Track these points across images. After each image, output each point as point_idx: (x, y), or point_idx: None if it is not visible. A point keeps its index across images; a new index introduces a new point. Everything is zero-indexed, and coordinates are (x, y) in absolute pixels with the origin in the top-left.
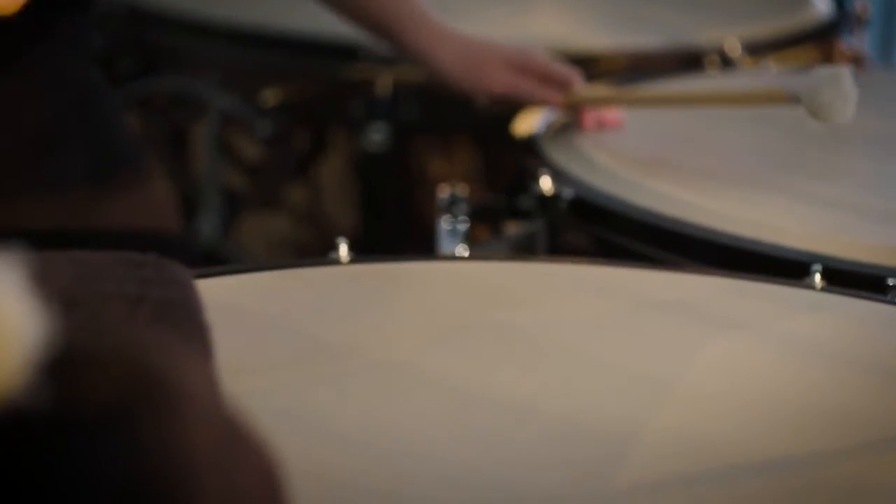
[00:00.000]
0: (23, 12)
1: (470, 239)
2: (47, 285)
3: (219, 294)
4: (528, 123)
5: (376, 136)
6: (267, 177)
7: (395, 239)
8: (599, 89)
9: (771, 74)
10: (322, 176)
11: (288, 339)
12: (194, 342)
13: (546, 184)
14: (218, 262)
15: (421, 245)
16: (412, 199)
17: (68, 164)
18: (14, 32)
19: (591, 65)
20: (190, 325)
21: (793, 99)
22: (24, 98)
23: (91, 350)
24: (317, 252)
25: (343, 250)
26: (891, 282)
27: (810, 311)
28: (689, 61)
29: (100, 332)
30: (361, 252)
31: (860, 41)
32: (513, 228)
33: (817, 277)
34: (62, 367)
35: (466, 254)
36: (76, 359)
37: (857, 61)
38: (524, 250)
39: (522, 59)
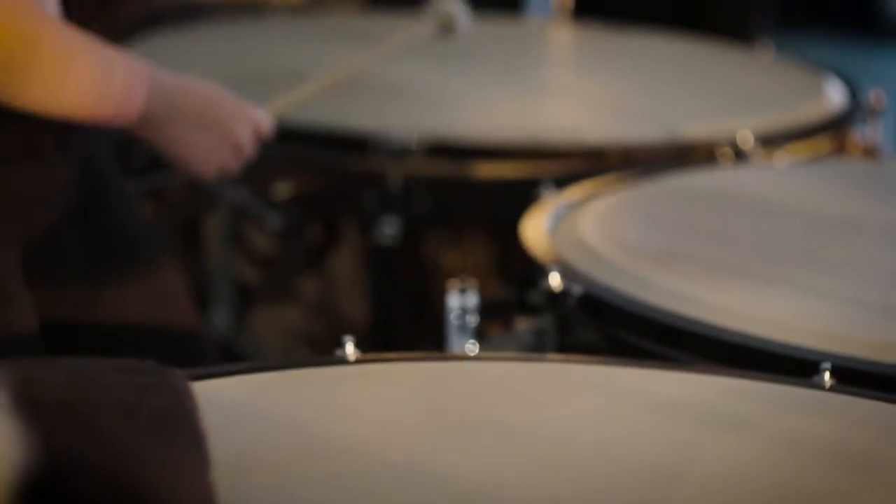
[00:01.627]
0: None
1: (480, 334)
2: (42, 392)
3: (225, 393)
4: (538, 218)
5: (388, 229)
6: (279, 269)
7: (407, 332)
8: None
9: (783, 167)
10: (334, 268)
11: (293, 438)
12: (190, 451)
13: (555, 280)
14: (230, 354)
15: (433, 338)
16: (424, 292)
17: (91, 253)
18: (58, 122)
19: (600, 157)
20: (186, 433)
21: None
22: (53, 186)
23: (82, 458)
24: (329, 344)
25: (350, 348)
26: None
27: (818, 410)
28: (701, 153)
29: (93, 440)
30: (373, 345)
31: (874, 132)
32: (523, 324)
33: (826, 376)
34: (51, 477)
35: (475, 351)
36: (67, 467)
37: (870, 152)
38: (534, 346)
39: None
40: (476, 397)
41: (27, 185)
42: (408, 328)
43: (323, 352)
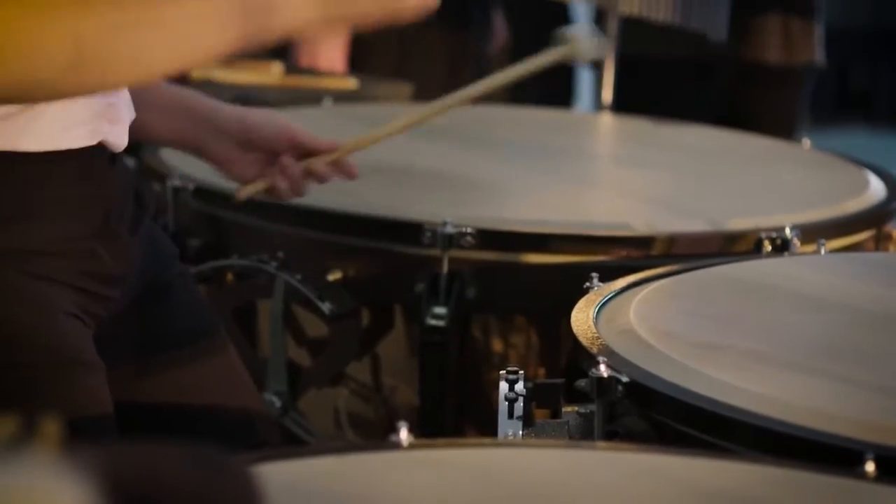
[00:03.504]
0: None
1: (528, 421)
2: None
3: (282, 476)
4: (586, 307)
5: (438, 315)
6: (331, 353)
7: (456, 418)
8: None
9: (824, 260)
10: (384, 353)
11: None
12: None
13: (602, 367)
14: (283, 436)
15: (480, 424)
16: (473, 379)
17: (165, 334)
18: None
19: (646, 247)
20: None
21: (561, 54)
22: (128, 264)
23: None
24: (378, 429)
25: (404, 434)
26: None
27: (862, 500)
28: (744, 245)
29: None
30: (421, 431)
31: None
32: (570, 411)
33: (871, 466)
34: None
35: (522, 437)
36: None
37: None
38: (581, 434)
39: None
40: (526, 484)
41: (107, 263)
42: (455, 414)
43: (373, 437)
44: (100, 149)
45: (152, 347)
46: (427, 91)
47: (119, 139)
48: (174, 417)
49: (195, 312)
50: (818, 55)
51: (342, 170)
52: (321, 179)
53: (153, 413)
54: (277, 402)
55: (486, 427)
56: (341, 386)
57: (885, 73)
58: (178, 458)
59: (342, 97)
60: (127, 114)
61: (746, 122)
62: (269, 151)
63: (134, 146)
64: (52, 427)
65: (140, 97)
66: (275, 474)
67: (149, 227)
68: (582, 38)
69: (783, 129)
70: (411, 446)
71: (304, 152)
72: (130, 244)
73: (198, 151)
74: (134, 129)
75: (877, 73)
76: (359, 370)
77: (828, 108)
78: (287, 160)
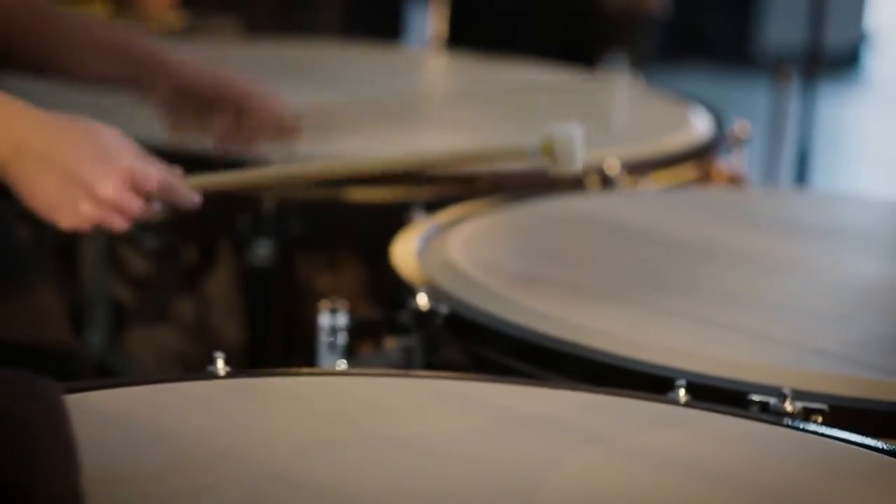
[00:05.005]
0: None
1: (350, 353)
2: None
3: (99, 406)
4: (408, 240)
5: (262, 251)
6: (154, 290)
7: (281, 353)
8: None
9: (649, 193)
10: (209, 290)
11: (165, 450)
12: (59, 456)
13: (422, 300)
14: (106, 373)
15: (305, 358)
16: (297, 313)
17: None
18: None
19: (470, 183)
20: (55, 439)
21: (530, 154)
22: None
23: None
24: (203, 364)
25: (220, 364)
26: (753, 397)
27: (673, 425)
28: (570, 180)
29: None
30: (246, 365)
31: (739, 161)
32: (392, 343)
33: (681, 392)
34: None
35: (343, 368)
36: None
37: (735, 180)
38: (402, 364)
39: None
40: (345, 411)
41: None
42: (280, 349)
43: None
44: None
45: None
46: (257, 24)
47: None
48: None
49: (8, 252)
50: (659, 4)
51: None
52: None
53: None
54: (99, 341)
55: (310, 362)
56: (165, 324)
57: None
58: None
59: (170, 34)
60: None
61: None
62: (207, 102)
63: None
64: None
65: (73, 36)
66: (91, 403)
67: None
68: (567, 147)
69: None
70: (229, 376)
71: (242, 106)
72: None
73: (134, 93)
74: (66, 69)
75: (714, 13)
76: (184, 308)
77: (673, 44)
78: (220, 118)
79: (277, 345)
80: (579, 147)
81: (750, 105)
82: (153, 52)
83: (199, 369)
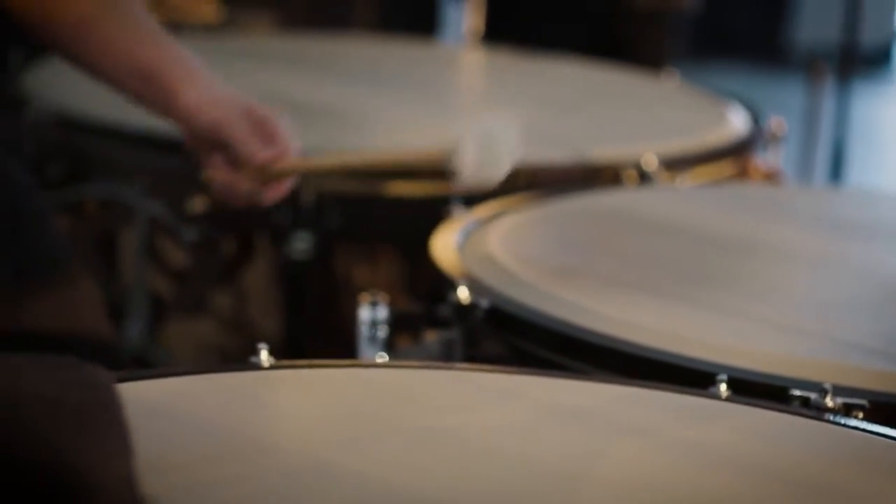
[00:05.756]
0: None
1: (390, 346)
2: None
3: (143, 396)
4: (448, 234)
5: (300, 244)
6: (193, 282)
7: (319, 345)
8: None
9: (685, 190)
10: (247, 282)
11: (209, 439)
12: (113, 441)
13: (463, 293)
14: (144, 365)
15: (344, 352)
16: (335, 306)
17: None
18: None
19: (509, 178)
20: (109, 425)
21: (446, 163)
22: None
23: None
24: (241, 357)
25: (264, 355)
26: (794, 392)
27: (714, 419)
28: (607, 175)
29: (15, 431)
30: (285, 357)
31: (775, 157)
32: (431, 336)
33: (723, 387)
34: None
35: (384, 360)
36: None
37: (771, 177)
38: (442, 357)
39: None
40: (386, 403)
41: None
42: (318, 341)
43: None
44: None
45: (6, 281)
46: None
47: None
48: (29, 349)
49: (49, 245)
50: (688, 2)
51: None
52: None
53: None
54: (138, 333)
55: (349, 355)
56: (204, 316)
57: (757, 12)
58: (36, 367)
59: (207, 28)
60: None
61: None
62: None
63: None
64: None
65: (111, 53)
66: (134, 393)
67: None
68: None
69: (655, 61)
70: (272, 367)
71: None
72: None
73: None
74: (103, 81)
75: (745, 11)
76: (222, 300)
77: (704, 42)
78: (212, 171)
79: (315, 337)
80: (505, 147)
81: (782, 102)
82: (173, 86)
83: (240, 360)
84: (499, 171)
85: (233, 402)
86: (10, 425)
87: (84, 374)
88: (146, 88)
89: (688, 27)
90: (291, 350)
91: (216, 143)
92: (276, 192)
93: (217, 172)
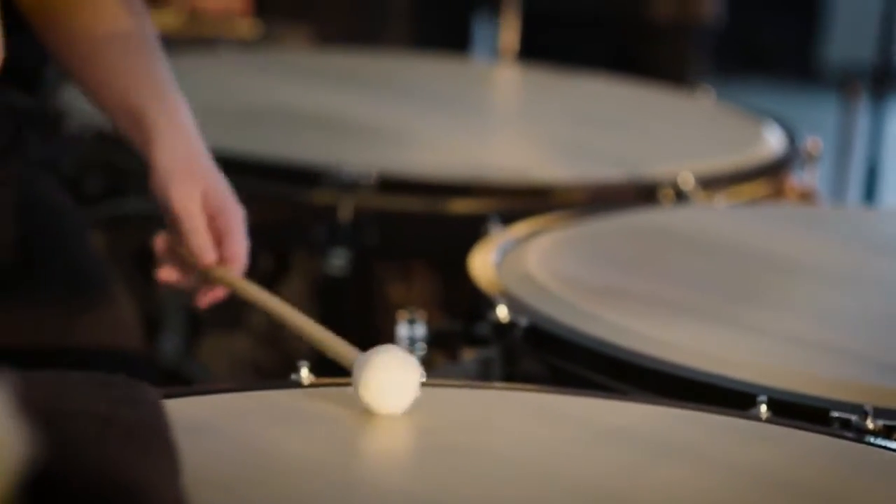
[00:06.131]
0: None
1: (427, 364)
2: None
3: (184, 413)
4: (486, 252)
5: (337, 260)
6: (229, 298)
7: None
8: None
9: (722, 209)
10: (282, 298)
11: (250, 456)
12: (163, 461)
13: (502, 311)
14: (180, 381)
15: None
16: (371, 322)
17: (39, 283)
18: None
19: (545, 195)
20: (159, 444)
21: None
22: None
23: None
24: (277, 373)
25: (304, 372)
26: (834, 414)
27: (755, 440)
28: (644, 194)
29: (70, 449)
30: (319, 375)
31: (811, 177)
32: (469, 355)
33: (763, 408)
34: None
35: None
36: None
37: (807, 196)
38: (480, 376)
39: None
40: (429, 421)
41: None
42: None
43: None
44: None
45: (42, 299)
46: (329, 34)
47: None
48: (65, 365)
49: (85, 262)
50: (710, 14)
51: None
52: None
53: (46, 362)
54: (174, 348)
55: None
56: (239, 332)
57: (787, 28)
58: (85, 384)
59: (243, 42)
60: None
61: (645, 69)
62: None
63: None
64: None
65: (108, 88)
66: (178, 410)
67: (29, 180)
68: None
69: (682, 77)
70: (312, 385)
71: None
72: None
73: None
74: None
75: (774, 27)
76: (257, 316)
77: (732, 58)
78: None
79: None
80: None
81: (814, 120)
82: (151, 136)
83: (276, 377)
84: (398, 401)
85: (275, 420)
86: (64, 442)
87: (133, 391)
88: (135, 131)
89: (712, 42)
90: (325, 367)
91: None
92: (211, 296)
93: (163, 246)
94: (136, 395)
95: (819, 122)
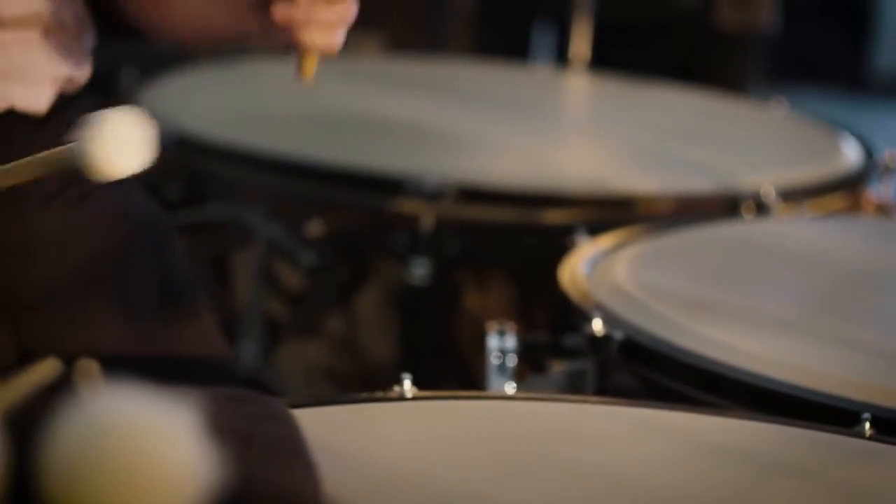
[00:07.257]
0: None
1: (516, 375)
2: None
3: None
4: (575, 263)
5: (419, 270)
6: (307, 305)
7: (430, 372)
8: None
9: (803, 221)
10: (361, 307)
11: (364, 472)
12: (304, 478)
13: (597, 325)
14: (259, 388)
15: (457, 379)
16: (452, 333)
17: (133, 293)
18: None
19: (627, 207)
20: (299, 461)
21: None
22: (93, 230)
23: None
24: (354, 384)
25: (407, 385)
26: None
27: (861, 459)
28: (726, 205)
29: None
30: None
31: (887, 189)
32: (559, 367)
33: (867, 426)
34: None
35: (515, 391)
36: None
37: (883, 209)
38: (570, 389)
39: None
40: (530, 435)
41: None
42: (431, 368)
43: (347, 389)
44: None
45: (134, 308)
46: (398, 41)
47: (33, 101)
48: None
49: (175, 273)
50: (769, 20)
51: None
52: None
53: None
54: (252, 356)
55: (464, 384)
56: (317, 340)
57: (837, 37)
58: (223, 401)
59: None
60: (47, 71)
61: (698, 77)
62: None
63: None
64: (90, 367)
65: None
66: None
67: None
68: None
69: (737, 86)
70: (414, 398)
71: None
72: (84, 215)
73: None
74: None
75: (825, 35)
76: (334, 324)
77: (784, 67)
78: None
79: (427, 365)
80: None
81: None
82: None
83: (349, 389)
84: (130, 162)
85: (383, 434)
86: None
87: (268, 407)
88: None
89: (769, 49)
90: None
91: None
92: None
93: None
94: (271, 411)
95: (870, 130)
